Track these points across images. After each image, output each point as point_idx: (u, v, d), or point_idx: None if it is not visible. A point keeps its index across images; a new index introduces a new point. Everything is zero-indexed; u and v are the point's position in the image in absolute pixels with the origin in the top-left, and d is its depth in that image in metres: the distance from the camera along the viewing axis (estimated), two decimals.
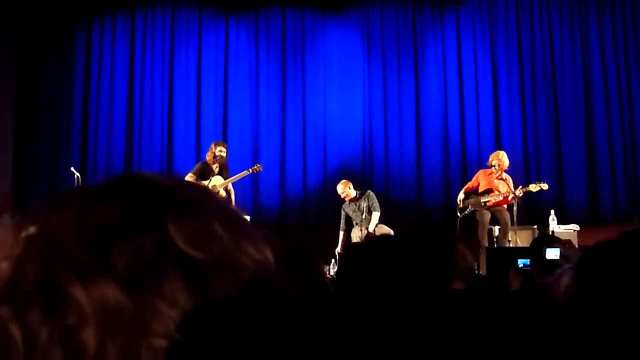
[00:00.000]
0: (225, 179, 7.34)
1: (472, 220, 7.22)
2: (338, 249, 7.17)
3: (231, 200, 7.10)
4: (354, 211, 7.39)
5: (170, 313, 0.45)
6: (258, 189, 8.89)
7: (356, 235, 7.24)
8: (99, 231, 0.46)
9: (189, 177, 7.00)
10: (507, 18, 9.14)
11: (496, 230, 7.18)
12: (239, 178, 7.56)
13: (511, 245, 6.84)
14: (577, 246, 6.42)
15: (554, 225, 7.14)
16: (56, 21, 9.00)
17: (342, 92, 9.10)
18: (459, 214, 7.30)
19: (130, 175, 0.53)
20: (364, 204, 7.31)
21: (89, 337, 0.43)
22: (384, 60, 9.18)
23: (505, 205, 7.14)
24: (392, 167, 8.97)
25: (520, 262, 3.71)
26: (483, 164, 7.86)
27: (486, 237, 7.06)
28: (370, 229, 7.15)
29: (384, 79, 9.14)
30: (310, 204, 8.92)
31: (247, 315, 0.45)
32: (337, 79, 9.13)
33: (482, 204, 7.16)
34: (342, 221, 7.46)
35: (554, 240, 3.15)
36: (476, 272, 4.39)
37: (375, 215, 7.28)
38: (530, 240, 5.90)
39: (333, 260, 6.70)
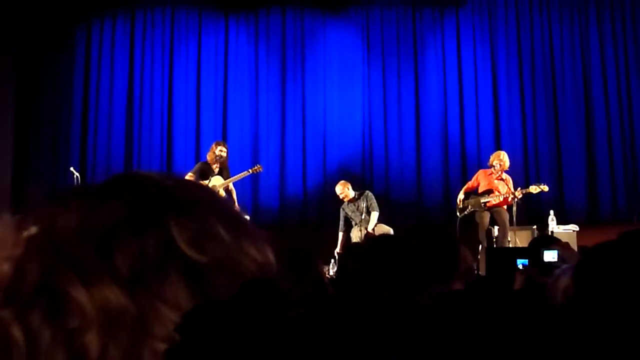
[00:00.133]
0: (225, 179, 7.34)
1: (471, 220, 7.22)
2: (337, 250, 7.17)
3: (233, 200, 7.10)
4: (353, 211, 7.40)
5: (172, 316, 0.45)
6: (258, 189, 8.88)
7: (356, 235, 7.25)
8: (102, 232, 0.46)
9: (189, 177, 6.99)
10: (507, 19, 9.14)
11: (495, 230, 7.18)
12: (239, 178, 7.56)
13: (510, 245, 6.83)
14: (576, 246, 6.44)
15: (553, 226, 7.14)
16: (56, 21, 8.99)
17: (342, 92, 9.09)
18: (458, 214, 7.30)
19: (132, 174, 0.52)
20: (363, 204, 7.31)
21: (92, 339, 0.43)
22: (383, 60, 9.18)
23: (505, 206, 7.14)
24: (391, 167, 8.97)
25: (519, 263, 3.71)
26: (483, 165, 7.85)
27: (485, 237, 7.07)
28: (370, 229, 7.16)
29: (384, 79, 9.14)
30: (310, 204, 8.92)
31: (247, 317, 0.45)
32: (337, 79, 9.13)
33: (482, 204, 7.16)
34: (341, 222, 7.46)
35: (551, 242, 3.15)
36: (475, 272, 4.39)
37: (374, 215, 7.29)
38: (530, 240, 5.90)
39: (333, 261, 6.70)
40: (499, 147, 8.23)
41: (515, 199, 6.96)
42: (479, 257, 6.41)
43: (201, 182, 6.79)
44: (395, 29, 9.24)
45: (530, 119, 8.91)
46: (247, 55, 9.25)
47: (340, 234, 7.41)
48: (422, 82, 9.10)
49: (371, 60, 9.19)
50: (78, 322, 0.43)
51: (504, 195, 7.10)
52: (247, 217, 0.72)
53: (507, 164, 7.29)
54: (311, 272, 2.22)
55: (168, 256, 0.46)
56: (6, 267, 0.45)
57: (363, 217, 7.27)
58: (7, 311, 0.44)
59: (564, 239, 3.96)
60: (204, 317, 0.44)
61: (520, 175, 8.20)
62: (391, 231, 7.04)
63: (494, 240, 7.10)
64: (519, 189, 7.12)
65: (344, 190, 7.41)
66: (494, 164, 7.25)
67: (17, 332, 0.43)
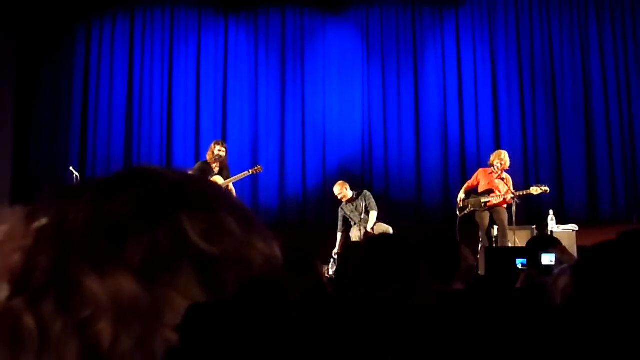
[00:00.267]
0: (225, 179, 7.33)
1: (471, 220, 7.22)
2: (336, 250, 7.17)
3: None
4: (352, 211, 7.40)
5: (185, 305, 0.45)
6: (257, 188, 8.88)
7: (355, 235, 7.25)
8: (114, 223, 0.46)
9: None
10: (507, 19, 9.14)
11: (495, 230, 7.18)
12: (239, 179, 7.56)
13: (510, 245, 6.84)
14: (576, 246, 6.45)
15: (552, 226, 7.14)
16: (55, 20, 8.99)
17: (341, 92, 9.09)
18: (458, 213, 7.30)
19: (143, 168, 0.53)
20: (361, 204, 7.32)
21: (104, 328, 0.43)
22: (383, 60, 9.18)
23: (504, 206, 7.14)
24: (391, 167, 8.97)
25: (519, 262, 3.72)
26: (482, 164, 7.84)
27: (485, 237, 7.07)
28: (369, 228, 7.16)
29: (383, 79, 9.14)
30: (310, 204, 8.92)
31: (249, 313, 0.45)
32: (337, 79, 9.13)
33: (482, 204, 7.16)
34: (340, 222, 7.45)
35: (549, 244, 3.15)
36: (475, 272, 4.39)
37: (373, 215, 7.29)
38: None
39: (332, 261, 6.70)
40: (498, 147, 8.22)
41: (515, 199, 6.96)
42: (478, 256, 6.41)
43: None
44: (394, 28, 9.25)
45: (529, 118, 8.91)
46: (246, 55, 9.24)
47: (339, 235, 7.40)
48: (422, 82, 9.10)
49: (371, 60, 9.19)
50: (91, 310, 0.43)
51: (504, 195, 7.10)
52: None
53: (508, 163, 7.29)
54: (310, 272, 2.22)
55: (180, 248, 0.46)
56: (17, 258, 0.45)
57: (362, 216, 7.27)
58: (18, 300, 0.44)
59: (563, 239, 3.96)
60: (204, 313, 0.44)
61: (520, 175, 8.20)
62: (390, 230, 7.04)
63: (494, 240, 7.10)
64: (520, 190, 7.14)
65: (342, 190, 7.41)
66: (494, 163, 7.24)
67: (29, 321, 0.43)
